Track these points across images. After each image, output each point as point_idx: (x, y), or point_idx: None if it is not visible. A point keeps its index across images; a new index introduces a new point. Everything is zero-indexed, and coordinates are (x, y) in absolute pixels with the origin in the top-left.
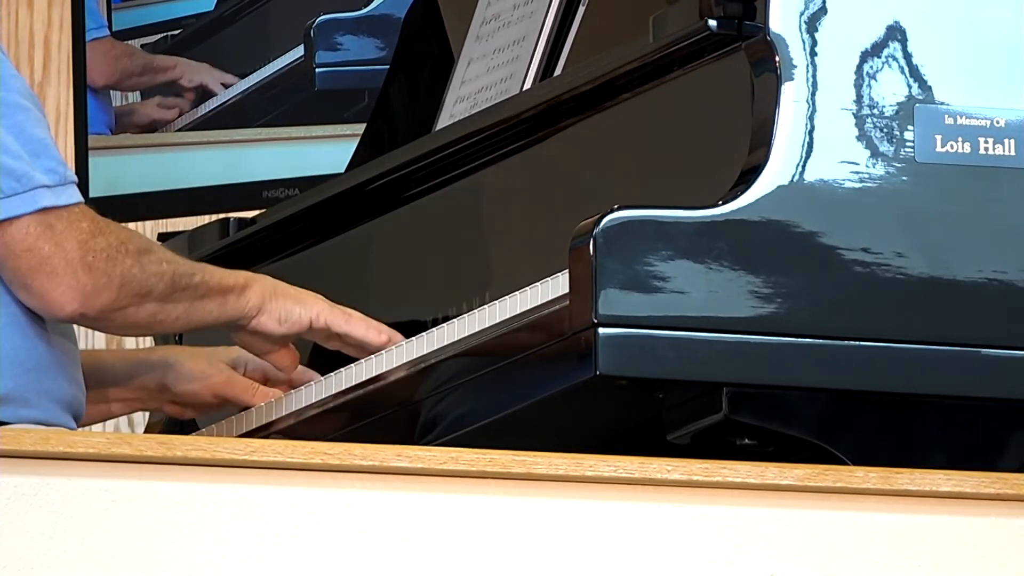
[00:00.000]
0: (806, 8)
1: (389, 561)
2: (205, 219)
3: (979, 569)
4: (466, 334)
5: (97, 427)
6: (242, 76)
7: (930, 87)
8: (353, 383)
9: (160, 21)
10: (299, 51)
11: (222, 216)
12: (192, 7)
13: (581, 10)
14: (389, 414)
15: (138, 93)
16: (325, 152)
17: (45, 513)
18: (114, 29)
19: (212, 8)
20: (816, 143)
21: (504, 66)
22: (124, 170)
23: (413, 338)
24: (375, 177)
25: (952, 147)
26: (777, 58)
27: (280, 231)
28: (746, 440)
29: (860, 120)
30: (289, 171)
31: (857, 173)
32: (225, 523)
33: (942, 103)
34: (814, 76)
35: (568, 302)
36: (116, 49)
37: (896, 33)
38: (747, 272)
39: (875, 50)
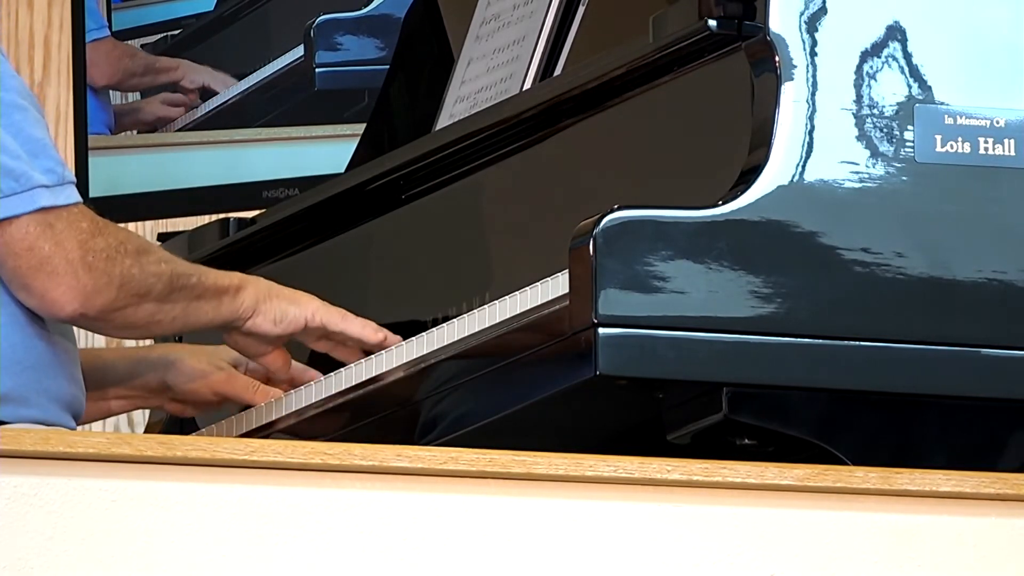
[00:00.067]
0: (806, 8)
1: (389, 561)
2: (205, 219)
3: (979, 569)
4: (466, 334)
5: (97, 427)
6: (241, 77)
7: (930, 87)
8: (353, 383)
9: (160, 21)
10: (299, 51)
11: (222, 216)
12: (192, 7)
13: (581, 10)
14: (389, 414)
15: (138, 93)
16: (325, 152)
17: (45, 513)
18: (114, 29)
19: (212, 8)
20: (816, 143)
21: (504, 66)
22: (124, 170)
23: (413, 338)
24: (375, 177)
25: (952, 147)
26: (777, 58)
27: (280, 231)
28: (746, 440)
29: (860, 120)
30: (289, 171)
31: (857, 173)
32: (225, 523)
33: (942, 103)
34: (814, 76)
35: (568, 302)
36: (118, 49)
37: (896, 33)
38: (747, 272)
39: (875, 50)
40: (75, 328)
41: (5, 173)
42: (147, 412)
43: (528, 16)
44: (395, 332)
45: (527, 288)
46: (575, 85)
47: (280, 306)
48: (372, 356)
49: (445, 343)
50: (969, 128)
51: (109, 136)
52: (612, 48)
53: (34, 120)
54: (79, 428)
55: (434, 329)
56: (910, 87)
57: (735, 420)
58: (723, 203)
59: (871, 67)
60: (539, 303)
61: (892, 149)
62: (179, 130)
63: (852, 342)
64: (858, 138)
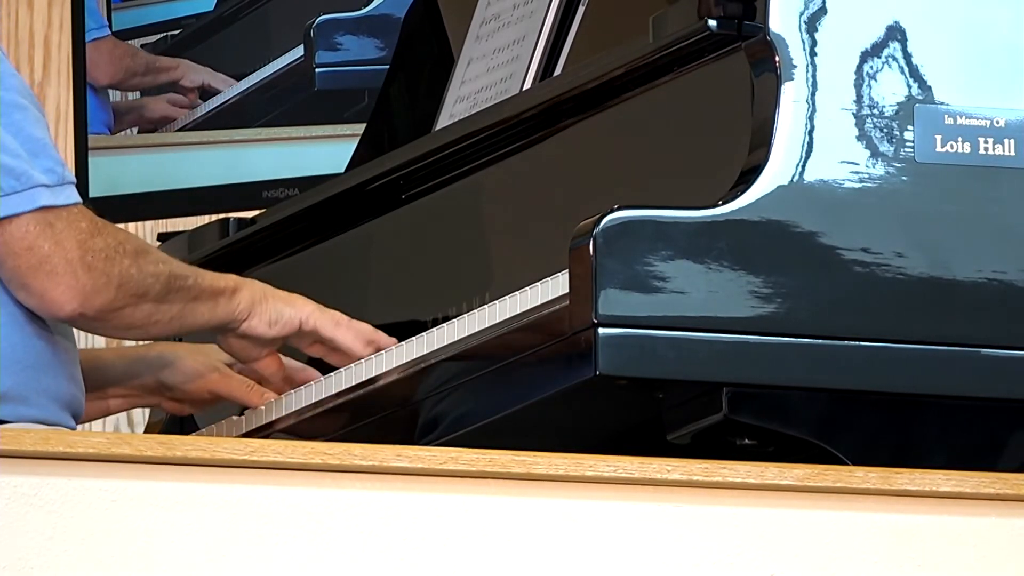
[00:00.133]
0: (806, 8)
1: (389, 561)
2: (205, 219)
3: (979, 569)
4: (466, 334)
5: (97, 427)
6: (238, 78)
7: (930, 87)
8: (353, 383)
9: (160, 21)
10: (299, 51)
11: (222, 216)
12: (192, 7)
13: (581, 10)
14: (389, 414)
15: (137, 93)
16: (325, 152)
17: (45, 513)
18: (114, 29)
19: (212, 8)
20: (816, 143)
21: (504, 66)
22: (124, 170)
23: (413, 338)
24: (375, 177)
25: (952, 147)
26: (777, 58)
27: (280, 231)
28: (746, 440)
29: (860, 120)
30: (289, 171)
31: (857, 173)
32: (225, 523)
33: (942, 103)
34: (814, 76)
35: (568, 302)
36: (119, 49)
37: (896, 33)
38: (747, 272)
39: (875, 50)
40: (74, 328)
41: (5, 172)
42: (147, 412)
43: (528, 16)
44: (395, 332)
45: (527, 288)
46: (575, 85)
47: (275, 308)
48: (372, 356)
49: (445, 343)
50: (969, 128)
51: (109, 136)
52: (612, 48)
53: (34, 119)
54: (79, 428)
55: (434, 329)
56: (910, 87)
57: (735, 420)
58: (723, 203)
59: (871, 67)
60: (539, 303)
61: (892, 149)
62: (179, 130)
63: (852, 342)
64: (858, 138)
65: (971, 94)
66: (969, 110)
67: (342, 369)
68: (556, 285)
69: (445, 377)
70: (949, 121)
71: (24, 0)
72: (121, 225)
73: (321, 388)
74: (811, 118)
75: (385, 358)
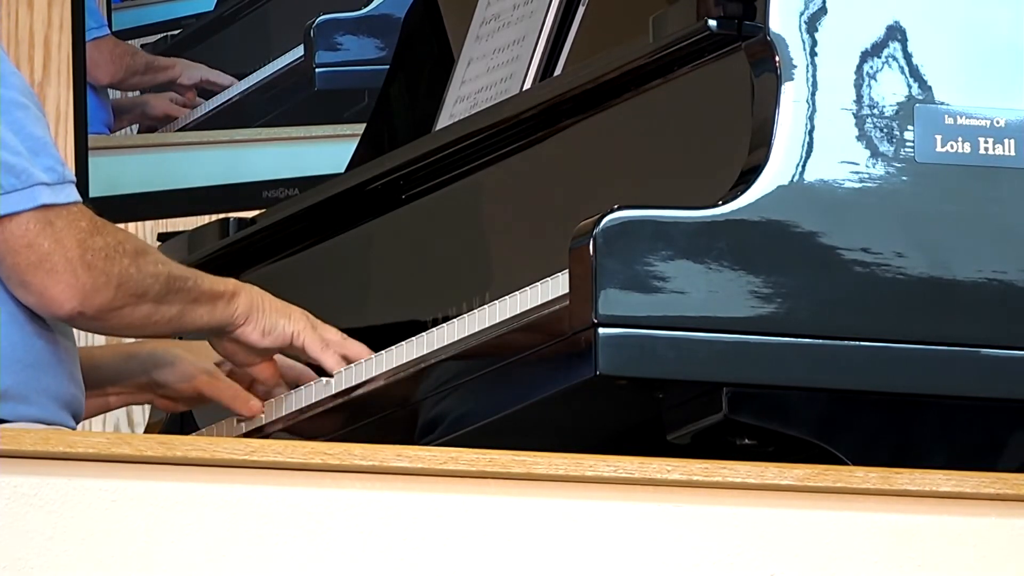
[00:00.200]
0: (806, 8)
1: (389, 561)
2: (205, 219)
3: (979, 569)
4: (466, 334)
5: (97, 427)
6: (238, 78)
7: (930, 87)
8: (353, 383)
9: (160, 21)
10: (299, 51)
11: (222, 216)
12: (192, 7)
13: (581, 10)
14: (389, 414)
15: (137, 92)
16: (325, 152)
17: (45, 513)
18: (114, 29)
19: (212, 8)
20: (816, 143)
21: (504, 66)
22: (124, 170)
23: (413, 338)
24: (375, 177)
25: (952, 147)
26: (777, 58)
27: (280, 231)
28: (746, 440)
29: (860, 120)
30: (289, 171)
31: (857, 173)
32: (225, 523)
33: (942, 103)
34: (814, 76)
35: (568, 302)
36: (119, 48)
37: (896, 33)
38: (747, 272)
39: (875, 50)
40: (73, 328)
41: (6, 170)
42: (147, 412)
43: (528, 16)
44: (395, 332)
45: (527, 288)
46: (575, 85)
47: (271, 318)
48: (372, 356)
49: (445, 343)
50: (969, 128)
51: (109, 136)
52: (612, 48)
53: (35, 118)
54: (79, 427)
55: (434, 329)
56: (910, 87)
57: (735, 420)
58: (723, 203)
59: (871, 67)
60: (539, 303)
61: (892, 149)
62: (179, 130)
63: (852, 342)
64: (858, 138)
65: (971, 94)
66: (969, 110)
67: (342, 369)
68: (556, 285)
69: (445, 377)
70: (949, 121)
71: (24, 0)
72: (121, 225)
73: (321, 388)
74: (811, 118)
75: (385, 358)
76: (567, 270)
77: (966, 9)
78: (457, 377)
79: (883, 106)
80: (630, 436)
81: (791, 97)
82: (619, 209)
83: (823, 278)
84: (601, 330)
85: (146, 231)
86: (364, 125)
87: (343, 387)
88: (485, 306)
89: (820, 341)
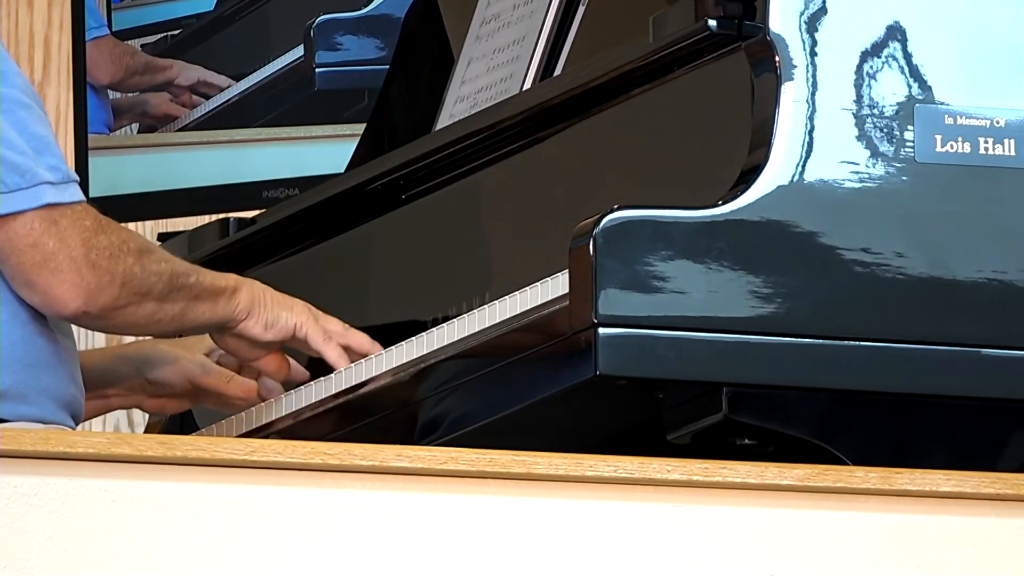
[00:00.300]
0: (806, 8)
1: (389, 561)
2: (205, 219)
3: (979, 569)
4: (466, 334)
5: (97, 427)
6: (237, 78)
7: (930, 87)
8: (353, 383)
9: (160, 21)
10: (299, 51)
11: (222, 216)
12: (192, 7)
13: (581, 10)
14: (389, 414)
15: (136, 93)
16: (325, 152)
17: (45, 513)
18: (114, 29)
19: (212, 8)
20: (816, 143)
21: (504, 66)
22: (124, 170)
23: (413, 338)
24: (375, 177)
25: (952, 147)
26: (777, 58)
27: (280, 231)
28: (746, 440)
29: (860, 120)
30: (289, 171)
31: (857, 173)
32: (225, 523)
33: (942, 103)
34: (814, 76)
35: (568, 302)
36: (119, 47)
37: (896, 33)
38: (747, 272)
39: (875, 50)
40: (73, 327)
41: (10, 168)
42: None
43: (528, 16)
44: (395, 332)
45: (527, 288)
46: (575, 85)
47: (273, 312)
48: (372, 356)
49: (445, 343)
50: (969, 128)
51: (109, 136)
52: (612, 48)
53: (38, 117)
54: (78, 427)
55: (434, 329)
56: (910, 87)
57: (735, 420)
58: (723, 203)
59: (871, 67)
60: (539, 303)
61: (892, 149)
62: (179, 130)
63: (852, 342)
64: (858, 138)
65: (971, 94)
66: (969, 110)
67: (342, 369)
68: (556, 285)
69: (445, 377)
70: (949, 121)
71: (24, 0)
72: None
73: (321, 388)
74: (811, 118)
75: (385, 358)
76: (567, 270)
77: (966, 9)
78: (457, 377)
79: (883, 106)
80: (630, 436)
81: (791, 97)
82: (619, 209)
83: (823, 278)
84: (601, 330)
85: (146, 231)
86: (364, 125)
87: (343, 387)
88: (485, 306)
89: (820, 341)
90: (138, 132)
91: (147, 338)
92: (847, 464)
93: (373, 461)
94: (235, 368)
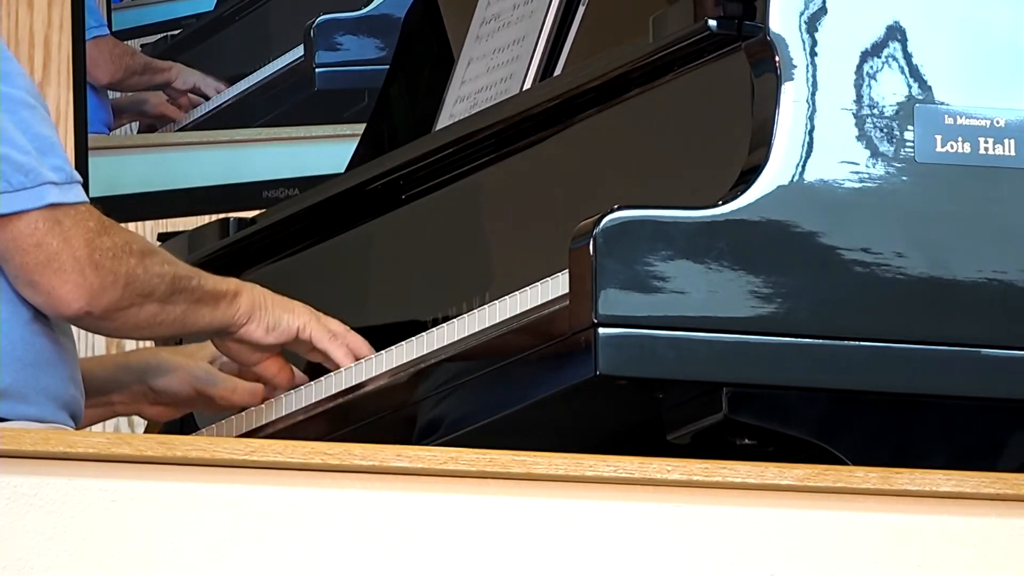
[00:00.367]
0: (806, 8)
1: (389, 561)
2: (205, 219)
3: (979, 569)
4: (466, 334)
5: (97, 427)
6: (233, 82)
7: (930, 87)
8: (354, 383)
9: (160, 21)
10: (299, 51)
11: (222, 216)
12: (192, 7)
13: (581, 10)
14: (389, 414)
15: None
16: (325, 152)
17: (45, 513)
18: (114, 29)
19: (212, 8)
20: (816, 143)
21: (504, 66)
22: (124, 170)
23: (413, 338)
24: (375, 177)
25: (952, 147)
26: (777, 58)
27: (280, 231)
28: (746, 440)
29: (860, 120)
30: (289, 171)
31: (857, 173)
32: (225, 523)
33: (942, 103)
34: (814, 76)
35: (568, 302)
36: (119, 47)
37: (896, 33)
38: (747, 272)
39: (875, 50)
40: (74, 329)
41: (15, 168)
42: None
43: (528, 16)
44: (395, 332)
45: (527, 288)
46: (575, 85)
47: (274, 315)
48: (372, 356)
49: (445, 343)
50: (969, 128)
51: (109, 136)
52: (612, 48)
53: (42, 118)
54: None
55: (434, 329)
56: (910, 87)
57: (735, 420)
58: (723, 203)
59: (871, 67)
60: (539, 303)
61: (892, 149)
62: (179, 130)
63: (852, 342)
64: (858, 138)
65: (971, 94)
66: (969, 110)
67: (342, 369)
68: (556, 285)
69: (445, 377)
70: (949, 121)
71: (24, 0)
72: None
73: (321, 388)
74: (811, 118)
75: (385, 358)
76: (567, 270)
77: (966, 9)
78: (457, 377)
79: (883, 106)
80: (630, 436)
81: (791, 97)
82: (619, 209)
83: (823, 278)
84: (601, 330)
85: (146, 231)
86: (364, 125)
87: (343, 387)
88: (485, 306)
89: (820, 341)
90: (138, 132)
91: (149, 346)
92: (847, 464)
93: (373, 461)
94: (236, 373)
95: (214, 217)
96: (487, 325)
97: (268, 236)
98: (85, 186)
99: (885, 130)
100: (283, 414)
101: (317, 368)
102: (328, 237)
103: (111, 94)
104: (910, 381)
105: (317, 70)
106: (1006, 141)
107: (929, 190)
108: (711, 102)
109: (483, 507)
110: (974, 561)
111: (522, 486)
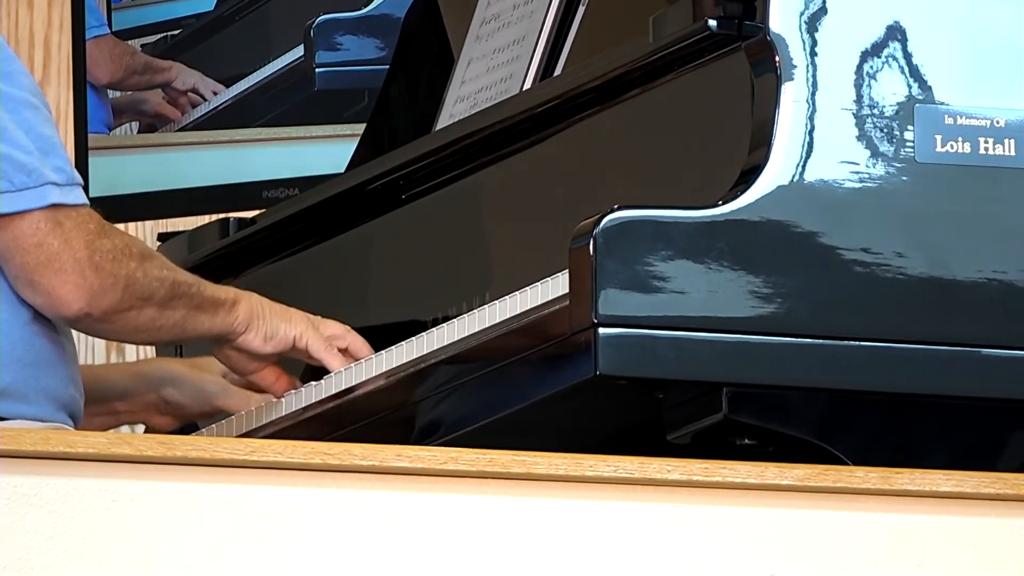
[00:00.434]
0: (806, 8)
1: (389, 561)
2: (205, 219)
3: (979, 569)
4: (466, 334)
5: None
6: (233, 82)
7: (930, 87)
8: (353, 383)
9: (160, 21)
10: (299, 51)
11: (222, 216)
12: (192, 7)
13: (581, 10)
14: (389, 414)
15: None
16: (325, 152)
17: (45, 513)
18: (114, 29)
19: (212, 8)
20: (816, 143)
21: (504, 66)
22: (124, 170)
23: (413, 338)
24: (375, 177)
25: (952, 147)
26: (777, 58)
27: (280, 231)
28: (746, 440)
29: (860, 120)
30: (289, 171)
31: (857, 173)
32: (225, 523)
33: (942, 103)
34: (814, 76)
35: (568, 302)
36: (119, 47)
37: (896, 33)
38: (747, 272)
39: (875, 50)
40: (74, 332)
41: (17, 168)
42: None
43: (528, 16)
44: (395, 332)
45: (527, 288)
46: (575, 85)
47: (272, 324)
48: (372, 356)
49: (445, 343)
50: (969, 128)
51: (109, 136)
52: (612, 48)
53: (44, 118)
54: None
55: (434, 329)
56: (910, 87)
57: (735, 420)
58: (723, 203)
59: (871, 67)
60: (539, 303)
61: (892, 149)
62: (179, 130)
63: (852, 342)
64: (858, 138)
65: (971, 94)
66: (969, 110)
67: (342, 369)
68: (556, 285)
69: (445, 377)
70: (949, 121)
71: (24, 0)
72: (120, 225)
73: (321, 389)
74: (811, 118)
75: (385, 358)
76: (567, 270)
77: (966, 9)
78: (457, 377)
79: (883, 106)
80: (630, 436)
81: (791, 97)
82: (619, 209)
83: (823, 278)
84: (601, 330)
85: (146, 231)
86: (364, 125)
87: (342, 387)
88: (485, 306)
89: (820, 341)
90: (138, 132)
91: (152, 353)
92: (847, 464)
93: (373, 461)
94: (243, 384)
95: (214, 217)
96: (487, 325)
97: (268, 236)
98: (85, 186)
99: (885, 130)
100: (283, 414)
101: (318, 369)
102: (328, 237)
103: (111, 94)
104: (910, 381)
105: (317, 70)
106: (1006, 141)
107: (929, 190)
108: (711, 102)
109: (483, 507)
110: (974, 561)
111: (522, 486)
